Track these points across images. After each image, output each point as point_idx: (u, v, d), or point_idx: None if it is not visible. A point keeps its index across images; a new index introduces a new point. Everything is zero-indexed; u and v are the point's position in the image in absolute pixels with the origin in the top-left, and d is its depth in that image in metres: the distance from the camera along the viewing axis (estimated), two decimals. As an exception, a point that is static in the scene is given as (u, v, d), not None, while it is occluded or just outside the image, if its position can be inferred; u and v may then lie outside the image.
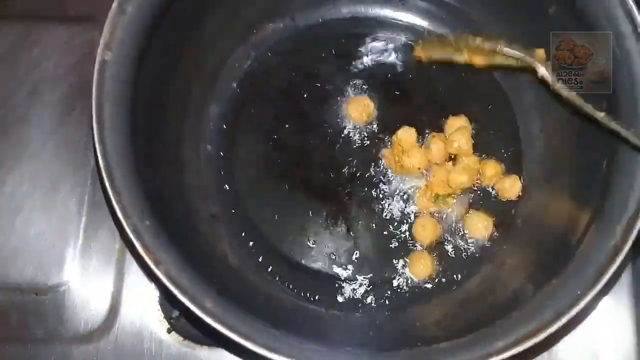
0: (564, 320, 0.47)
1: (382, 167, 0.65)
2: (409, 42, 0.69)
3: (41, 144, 0.66)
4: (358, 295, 0.61)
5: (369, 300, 0.61)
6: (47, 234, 0.63)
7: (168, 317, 0.61)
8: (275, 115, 0.67)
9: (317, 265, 0.62)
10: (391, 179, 0.65)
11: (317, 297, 0.61)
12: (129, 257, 0.62)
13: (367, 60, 0.68)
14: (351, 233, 0.63)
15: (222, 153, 0.65)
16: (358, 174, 0.65)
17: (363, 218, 0.63)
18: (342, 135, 0.66)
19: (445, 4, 0.68)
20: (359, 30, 0.69)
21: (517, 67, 0.55)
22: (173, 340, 0.60)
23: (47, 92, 0.67)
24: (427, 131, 0.66)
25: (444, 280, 0.62)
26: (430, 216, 0.63)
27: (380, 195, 0.64)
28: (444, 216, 0.64)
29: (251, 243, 0.62)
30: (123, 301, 0.61)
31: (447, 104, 0.67)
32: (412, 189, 0.64)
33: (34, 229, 0.63)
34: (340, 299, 0.61)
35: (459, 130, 0.64)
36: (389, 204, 0.64)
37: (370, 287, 0.61)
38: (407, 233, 0.63)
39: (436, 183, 0.64)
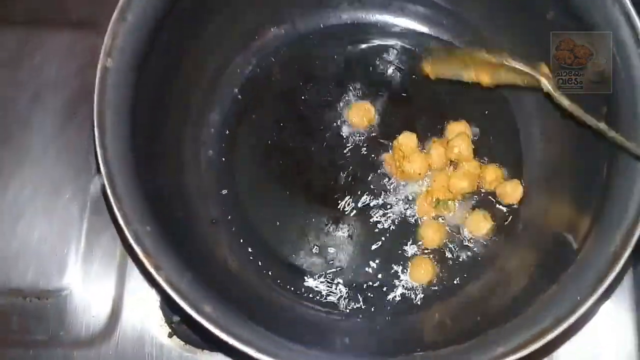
0: (564, 326, 0.47)
1: (382, 172, 0.65)
2: (410, 47, 0.69)
3: (43, 149, 0.66)
4: (358, 300, 0.61)
5: (369, 305, 0.61)
6: (49, 238, 0.63)
7: (169, 322, 0.61)
8: (276, 121, 0.67)
9: (317, 269, 0.62)
10: (392, 184, 0.65)
11: (317, 302, 0.61)
12: (130, 261, 0.62)
13: (367, 65, 0.68)
14: (351, 238, 0.63)
15: (223, 158, 0.65)
16: (358, 179, 0.65)
17: (363, 223, 0.63)
18: (343, 140, 0.66)
19: (444, 9, 0.68)
20: (360, 36, 0.69)
21: (523, 86, 0.56)
22: (174, 345, 0.61)
23: (49, 97, 0.68)
24: (428, 135, 0.66)
25: (444, 285, 0.62)
26: (432, 220, 0.63)
27: (381, 201, 0.64)
28: (444, 221, 0.64)
29: (251, 248, 0.62)
30: (124, 305, 0.61)
31: (447, 109, 0.67)
32: (413, 194, 0.64)
33: (36, 234, 0.64)
34: (340, 304, 0.61)
35: (459, 136, 0.64)
36: (389, 209, 0.64)
37: (371, 292, 0.61)
38: (408, 238, 0.63)
39: (437, 188, 0.64)
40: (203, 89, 0.65)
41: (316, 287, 0.61)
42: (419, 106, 0.67)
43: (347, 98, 0.67)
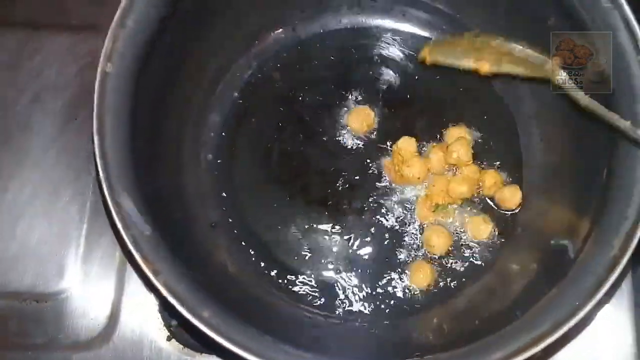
0: (562, 330, 0.47)
1: (382, 176, 0.65)
2: (410, 52, 0.69)
3: (43, 152, 0.66)
4: (357, 304, 0.61)
5: (368, 309, 0.61)
6: (48, 241, 0.63)
7: (168, 325, 0.61)
8: (275, 124, 0.67)
9: (316, 273, 0.62)
10: (391, 188, 0.65)
11: (315, 306, 0.61)
12: (129, 265, 0.62)
13: (367, 70, 0.69)
14: (350, 242, 0.63)
15: (222, 161, 0.65)
16: (358, 183, 0.65)
17: (362, 227, 0.63)
18: (343, 144, 0.66)
19: (445, 14, 0.68)
20: (360, 40, 0.69)
21: (524, 76, 0.55)
22: (173, 349, 0.60)
23: (49, 100, 0.68)
24: (427, 140, 0.66)
25: (443, 289, 0.62)
26: (438, 226, 0.63)
27: (380, 205, 0.64)
28: (444, 226, 0.64)
29: (250, 251, 0.63)
30: (123, 309, 0.61)
31: (447, 113, 0.67)
32: (412, 199, 0.64)
33: (35, 236, 0.63)
34: (339, 308, 0.61)
35: (458, 141, 0.64)
36: (388, 214, 0.64)
37: (370, 296, 0.61)
38: (407, 242, 0.63)
39: (436, 193, 0.64)
40: (204, 89, 0.65)
41: (314, 290, 0.61)
42: (418, 111, 0.68)
43: (346, 102, 0.67)
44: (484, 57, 0.57)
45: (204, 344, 0.60)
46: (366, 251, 0.63)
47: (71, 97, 0.68)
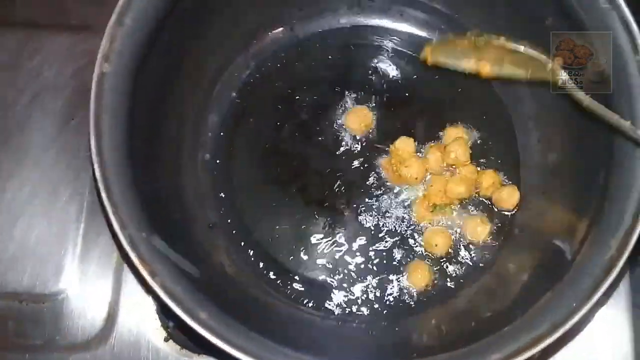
0: (560, 332, 0.47)
1: (380, 176, 0.65)
2: (408, 52, 0.69)
3: (41, 151, 0.66)
4: (354, 305, 0.61)
5: (365, 310, 0.61)
6: (47, 241, 0.63)
7: (165, 326, 0.60)
8: (274, 124, 0.67)
9: (314, 274, 0.62)
10: (389, 188, 0.65)
11: (313, 307, 0.61)
12: (126, 265, 0.62)
13: (365, 70, 0.69)
14: (348, 242, 0.63)
15: (220, 162, 0.65)
16: (356, 184, 0.65)
17: (360, 227, 0.63)
18: (341, 145, 0.66)
19: (443, 14, 0.68)
20: (358, 40, 0.69)
21: (524, 79, 0.55)
22: (170, 349, 0.60)
23: (48, 100, 0.68)
24: (425, 140, 0.66)
25: (441, 290, 0.62)
26: (439, 226, 0.63)
27: (378, 205, 0.64)
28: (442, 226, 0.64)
29: (248, 251, 0.62)
30: (120, 309, 0.61)
31: (445, 114, 0.67)
32: (410, 199, 0.64)
33: (33, 236, 0.63)
34: (336, 308, 0.61)
35: (456, 141, 0.64)
36: (386, 214, 0.64)
37: (367, 297, 0.61)
38: (405, 242, 0.63)
39: (434, 193, 0.64)
40: (203, 89, 0.65)
41: (312, 291, 0.61)
42: (416, 111, 0.68)
43: (345, 102, 0.67)
44: (485, 57, 0.57)
45: (201, 345, 0.60)
46: (364, 251, 0.63)
47: (71, 97, 0.68)
